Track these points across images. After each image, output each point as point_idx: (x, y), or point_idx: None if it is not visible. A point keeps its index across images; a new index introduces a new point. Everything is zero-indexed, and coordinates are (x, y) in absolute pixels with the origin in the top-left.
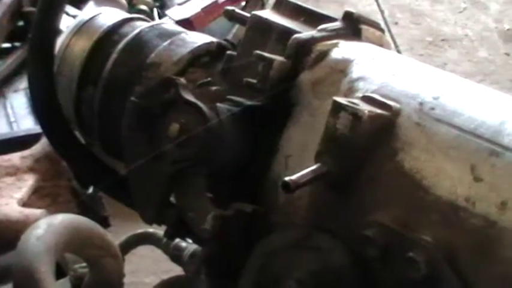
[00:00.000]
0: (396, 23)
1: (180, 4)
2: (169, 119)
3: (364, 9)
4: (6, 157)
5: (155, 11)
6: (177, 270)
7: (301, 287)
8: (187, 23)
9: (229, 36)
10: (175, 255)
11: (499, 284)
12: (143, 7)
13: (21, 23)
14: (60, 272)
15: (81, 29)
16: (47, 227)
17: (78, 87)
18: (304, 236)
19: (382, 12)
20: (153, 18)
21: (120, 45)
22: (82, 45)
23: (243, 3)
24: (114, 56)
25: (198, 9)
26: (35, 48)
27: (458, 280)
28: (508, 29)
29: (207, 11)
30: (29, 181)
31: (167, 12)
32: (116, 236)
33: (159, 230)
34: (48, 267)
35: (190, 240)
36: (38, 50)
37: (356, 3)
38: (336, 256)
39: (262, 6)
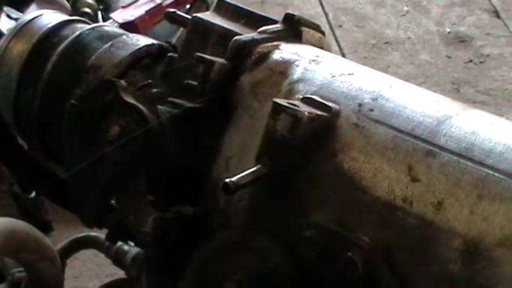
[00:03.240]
0: (340, 26)
1: (124, 7)
2: (109, 121)
3: (308, 12)
4: None
5: (99, 13)
6: (120, 274)
7: None
8: (131, 26)
9: (174, 39)
10: (118, 259)
11: (435, 283)
12: (87, 10)
13: None
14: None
15: (21, 31)
16: None
17: (17, 90)
18: (243, 237)
19: (326, 15)
20: (97, 21)
21: (60, 48)
22: (21, 48)
23: (188, 6)
24: (53, 58)
25: (143, 12)
26: None
27: (395, 280)
28: (449, 32)
29: (151, 13)
30: None
31: (111, 15)
32: (59, 240)
33: (101, 234)
34: None
35: (132, 243)
36: None
37: (300, 6)
38: (274, 257)
39: (207, 9)
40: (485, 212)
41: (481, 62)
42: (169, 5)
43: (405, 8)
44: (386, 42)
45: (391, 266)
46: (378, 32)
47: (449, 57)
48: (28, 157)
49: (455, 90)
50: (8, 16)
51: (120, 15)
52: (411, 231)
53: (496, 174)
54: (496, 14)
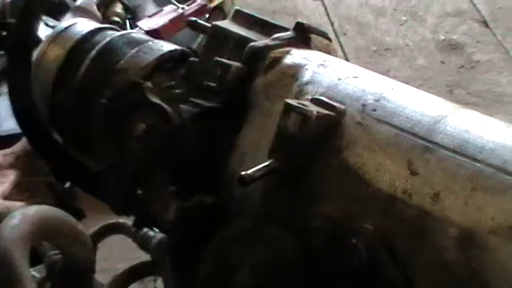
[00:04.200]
0: (345, 34)
1: (149, 16)
2: (135, 119)
3: (316, 21)
4: None
5: (127, 22)
6: (146, 257)
7: (254, 273)
8: (155, 33)
9: (194, 45)
10: (144, 244)
11: (432, 268)
12: (116, 19)
13: (4, 33)
14: (38, 258)
15: (57, 37)
16: (22, 217)
17: (53, 91)
18: (257, 226)
19: (332, 23)
20: (125, 29)
21: (92, 53)
22: (57, 52)
23: (207, 16)
24: (86, 62)
25: (166, 21)
26: (14, 55)
27: (395, 265)
28: (443, 40)
29: (174, 22)
30: (10, 176)
31: (138, 23)
32: (90, 226)
33: (128, 221)
34: (22, 253)
35: (156, 230)
36: (16, 58)
37: (309, 15)
38: (285, 244)
39: (224, 18)
40: (479, 203)
41: (472, 67)
42: (190, 15)
43: (403, 18)
44: (386, 49)
45: (392, 252)
46: (378, 39)
47: (443, 63)
48: (62, 151)
49: (449, 92)
50: (46, 24)
51: (146, 24)
52: (410, 220)
53: (488, 168)
54: (485, 23)
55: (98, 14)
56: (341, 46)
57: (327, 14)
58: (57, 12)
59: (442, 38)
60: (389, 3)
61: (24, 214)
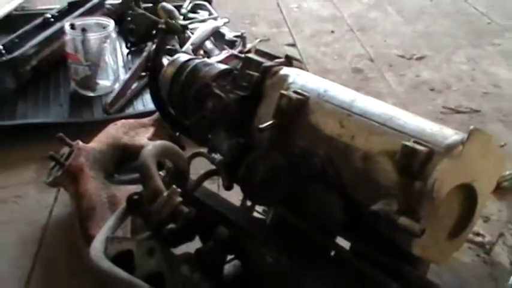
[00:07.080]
0: (308, 64)
1: (216, 55)
2: (207, 100)
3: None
4: (141, 120)
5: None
6: (213, 167)
7: (266, 175)
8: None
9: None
10: (212, 161)
11: (350, 173)
12: (199, 56)
13: (149, 64)
14: (162, 166)
15: (171, 63)
16: (153, 145)
17: (170, 87)
18: (266, 152)
19: (301, 58)
20: None
21: (187, 69)
22: (171, 70)
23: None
24: (184, 74)
25: (224, 57)
26: (151, 73)
27: (334, 172)
28: (354, 67)
29: (227, 58)
30: (151, 130)
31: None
32: (187, 153)
33: (205, 150)
34: (153, 164)
35: (218, 154)
36: (153, 74)
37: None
38: (280, 161)
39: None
40: (372, 140)
41: (366, 80)
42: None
43: (335, 57)
44: (327, 71)
45: (332, 165)
46: (324, 67)
47: (354, 78)
48: (174, 117)
49: None
50: (167, 59)
51: (214, 59)
52: (341, 149)
53: (377, 124)
54: (372, 60)
55: (192, 54)
56: (306, 69)
57: (300, 54)
58: (173, 54)
59: (354, 66)
60: (329, 51)
61: (154, 144)
